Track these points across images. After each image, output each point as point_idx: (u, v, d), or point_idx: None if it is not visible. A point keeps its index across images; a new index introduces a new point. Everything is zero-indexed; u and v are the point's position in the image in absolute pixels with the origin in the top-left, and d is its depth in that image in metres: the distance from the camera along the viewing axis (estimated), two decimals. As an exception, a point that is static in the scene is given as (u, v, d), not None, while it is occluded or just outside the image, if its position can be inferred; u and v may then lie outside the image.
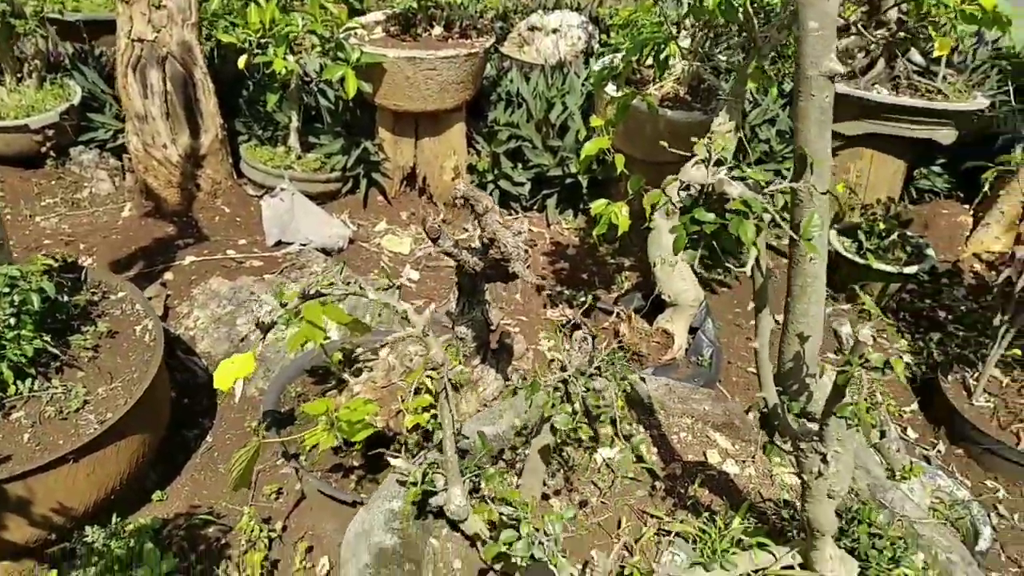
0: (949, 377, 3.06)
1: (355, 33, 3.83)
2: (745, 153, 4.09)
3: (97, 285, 2.79)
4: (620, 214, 2.00)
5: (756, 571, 1.37)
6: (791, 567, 1.36)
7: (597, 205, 1.90)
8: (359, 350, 2.79)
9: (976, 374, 3.01)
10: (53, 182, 4.13)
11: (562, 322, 3.48)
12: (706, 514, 1.53)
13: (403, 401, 2.32)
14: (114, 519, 2.28)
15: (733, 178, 1.02)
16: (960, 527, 2.36)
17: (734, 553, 1.36)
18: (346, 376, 2.49)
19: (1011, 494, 2.79)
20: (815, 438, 1.11)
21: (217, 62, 4.42)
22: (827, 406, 1.04)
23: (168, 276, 3.48)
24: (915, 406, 3.16)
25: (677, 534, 1.49)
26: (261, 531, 2.43)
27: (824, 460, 1.12)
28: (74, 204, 4.04)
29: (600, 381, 1.23)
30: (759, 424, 1.19)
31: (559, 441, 1.78)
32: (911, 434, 3.03)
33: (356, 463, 2.48)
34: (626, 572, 1.21)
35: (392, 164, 4.19)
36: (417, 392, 2.36)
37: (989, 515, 2.70)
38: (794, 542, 1.36)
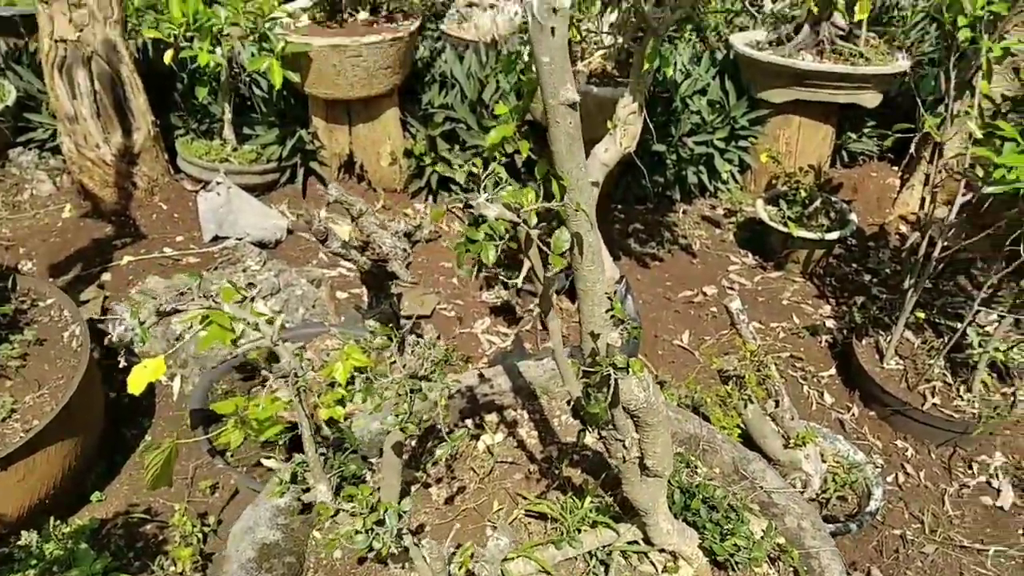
0: (863, 341, 3.17)
1: (280, 22, 3.84)
2: (672, 122, 4.17)
3: (26, 293, 2.86)
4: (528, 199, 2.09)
5: (605, 547, 1.47)
6: (635, 542, 1.47)
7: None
8: (286, 345, 2.87)
9: (889, 337, 3.12)
10: (-8, 186, 4.17)
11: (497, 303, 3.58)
12: (571, 494, 1.63)
13: (319, 395, 2.40)
14: (51, 521, 2.38)
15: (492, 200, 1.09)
16: (856, 488, 2.48)
17: (582, 531, 1.46)
18: (268, 372, 2.57)
19: (918, 452, 2.92)
20: (611, 427, 1.20)
21: (152, 55, 4.42)
22: (612, 399, 1.13)
23: (106, 277, 3.54)
24: (833, 371, 3.28)
25: (541, 513, 1.59)
26: (194, 526, 2.53)
27: (624, 445, 1.21)
28: (15, 207, 4.06)
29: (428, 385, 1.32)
30: (572, 415, 1.28)
31: (446, 431, 1.88)
32: (828, 399, 3.15)
33: (283, 456, 2.58)
34: (456, 559, 1.31)
35: (328, 152, 4.24)
36: (332, 386, 2.46)
37: (896, 474, 2.83)
38: (633, 519, 1.47)
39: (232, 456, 2.57)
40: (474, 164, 1.18)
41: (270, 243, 3.86)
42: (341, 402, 2.43)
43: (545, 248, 1.11)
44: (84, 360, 2.55)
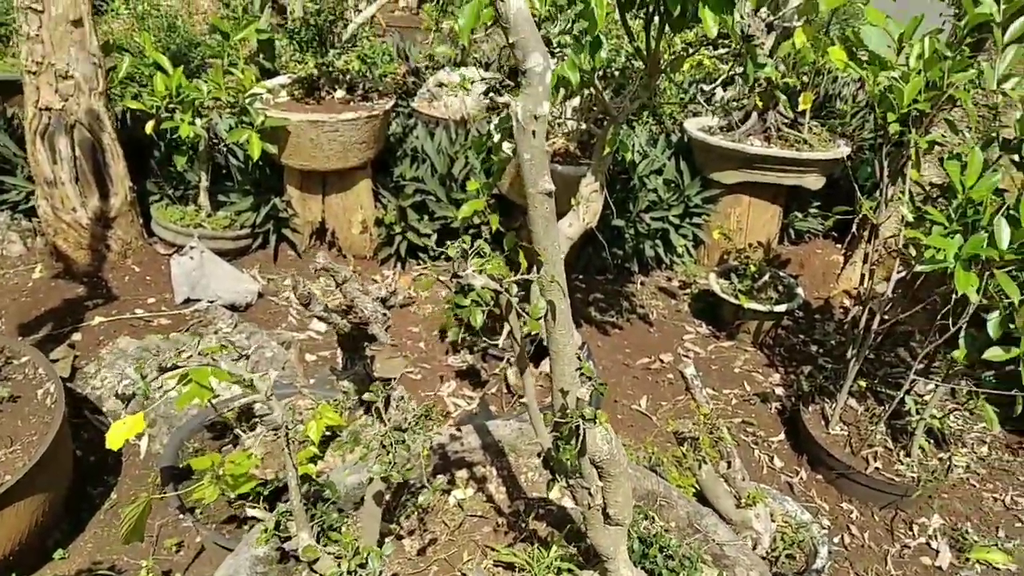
0: (810, 408, 3.36)
1: (260, 97, 4.03)
2: (631, 199, 4.40)
3: (0, 350, 2.90)
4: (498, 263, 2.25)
5: (567, 593, 1.58)
6: (596, 588, 1.58)
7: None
8: (257, 405, 2.94)
9: (834, 404, 3.31)
10: (-38, 246, 4.20)
11: (462, 367, 3.70)
12: (538, 545, 1.74)
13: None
14: (12, 578, 2.39)
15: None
16: (804, 547, 2.61)
17: (548, 579, 1.57)
18: (239, 431, 2.64)
19: (863, 514, 3.07)
20: (578, 475, 1.33)
21: (129, 124, 4.55)
22: (580, 448, 1.26)
23: (76, 337, 3.58)
24: (782, 436, 3.45)
25: (508, 563, 1.70)
26: (159, 584, 2.55)
27: (590, 493, 1.34)
28: (-16, 267, 4.10)
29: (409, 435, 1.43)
30: (543, 465, 1.40)
31: (418, 486, 1.98)
32: (777, 463, 3.30)
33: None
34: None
35: (301, 219, 4.38)
36: (302, 444, 2.54)
37: (842, 535, 2.98)
38: (596, 567, 1.58)
39: (201, 513, 2.61)
40: (464, 240, 1.32)
41: (241, 306, 3.94)
42: (314, 460, 2.52)
43: (523, 313, 1.25)
44: (58, 417, 2.59)
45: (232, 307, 3.88)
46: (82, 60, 3.72)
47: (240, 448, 2.62)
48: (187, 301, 3.87)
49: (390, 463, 1.40)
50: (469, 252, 1.27)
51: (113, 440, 2.38)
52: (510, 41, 1.05)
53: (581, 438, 1.23)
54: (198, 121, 3.95)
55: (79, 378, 3.37)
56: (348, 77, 4.18)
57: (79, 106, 3.78)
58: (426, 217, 4.44)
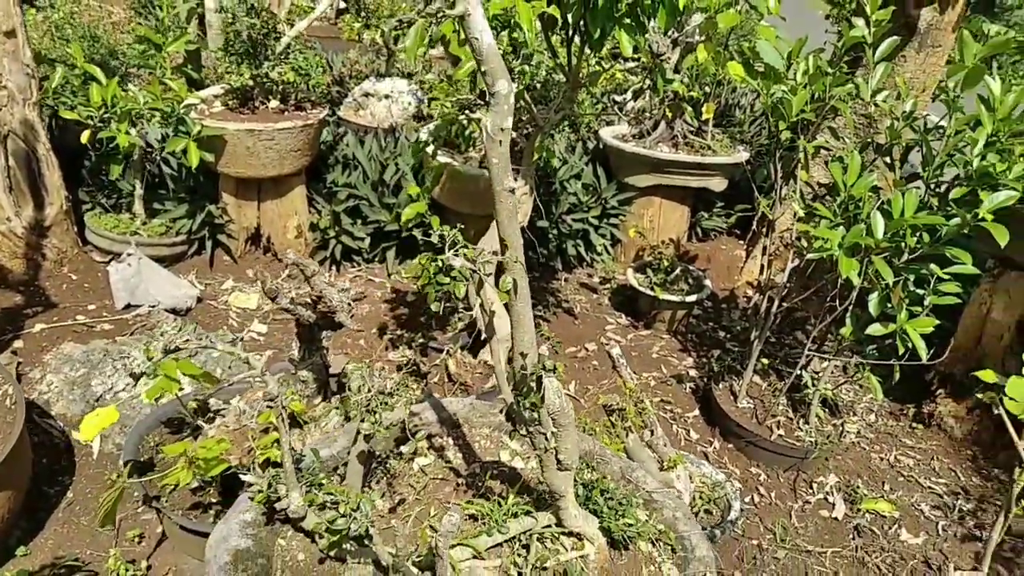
0: (720, 385, 3.73)
1: (196, 107, 4.15)
2: (553, 202, 4.71)
3: (-50, 357, 2.96)
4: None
5: (525, 531, 1.84)
6: (549, 526, 1.85)
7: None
8: (212, 400, 3.09)
9: (741, 382, 3.69)
10: None
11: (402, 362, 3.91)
12: (495, 498, 2.00)
13: (254, 439, 2.66)
14: (-23, 574, 2.48)
15: (456, 254, 1.50)
16: (719, 504, 2.96)
17: (507, 521, 1.83)
18: (200, 423, 2.79)
19: (769, 476, 3.46)
20: (536, 423, 1.60)
21: (58, 133, 4.58)
22: (542, 397, 1.53)
23: (18, 344, 3.62)
24: (696, 412, 3.81)
25: (471, 515, 1.95)
26: (127, 570, 2.68)
27: (545, 437, 1.61)
28: (-90, 278, 4.06)
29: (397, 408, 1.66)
30: (505, 418, 1.66)
31: (384, 456, 2.21)
32: (693, 435, 3.66)
33: (214, 499, 2.78)
34: (418, 535, 1.64)
35: (237, 226, 4.50)
36: (266, 431, 2.72)
37: (752, 495, 3.35)
38: (550, 508, 1.85)
39: (167, 502, 2.75)
40: (444, 229, 1.55)
41: (181, 311, 4.04)
42: (276, 443, 2.70)
43: (493, 288, 1.51)
44: (20, 417, 2.69)
45: (173, 311, 3.98)
46: (15, 71, 3.77)
47: (203, 439, 2.77)
48: (128, 307, 3.95)
49: (376, 422, 1.64)
50: (447, 240, 1.51)
51: (86, 431, 2.54)
52: (481, 70, 1.31)
53: (543, 388, 1.49)
54: (132, 131, 4.04)
55: (25, 384, 3.42)
56: (281, 87, 4.34)
57: (13, 116, 3.82)
58: (359, 221, 4.64)
